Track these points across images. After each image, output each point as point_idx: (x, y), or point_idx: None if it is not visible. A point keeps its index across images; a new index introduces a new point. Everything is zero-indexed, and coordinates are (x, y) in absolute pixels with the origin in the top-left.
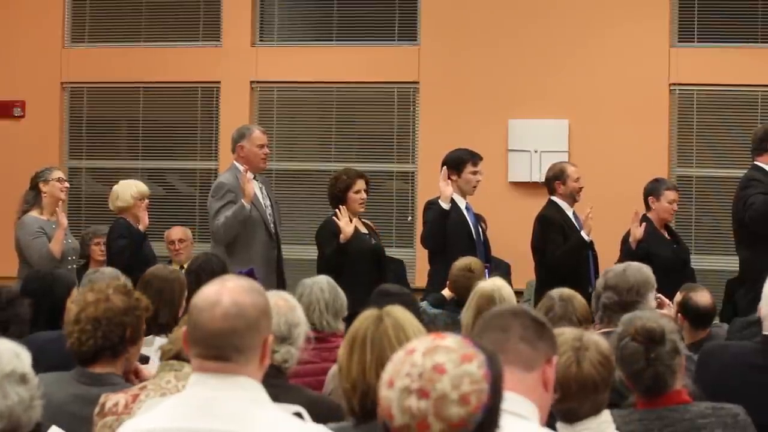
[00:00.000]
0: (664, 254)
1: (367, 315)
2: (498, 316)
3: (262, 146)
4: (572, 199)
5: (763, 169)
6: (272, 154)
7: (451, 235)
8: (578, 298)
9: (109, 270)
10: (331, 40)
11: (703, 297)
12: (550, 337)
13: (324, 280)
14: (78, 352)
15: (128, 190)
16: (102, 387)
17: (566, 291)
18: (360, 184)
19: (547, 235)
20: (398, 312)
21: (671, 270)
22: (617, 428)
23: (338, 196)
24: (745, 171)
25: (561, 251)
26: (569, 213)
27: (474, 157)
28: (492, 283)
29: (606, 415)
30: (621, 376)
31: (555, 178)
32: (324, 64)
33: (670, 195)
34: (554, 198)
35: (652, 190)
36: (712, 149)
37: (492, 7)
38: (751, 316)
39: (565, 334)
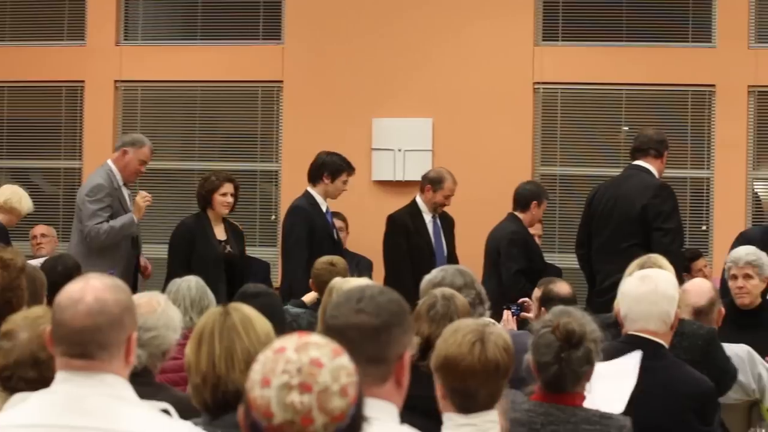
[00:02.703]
0: (538, 254)
1: (213, 311)
2: (338, 339)
3: (143, 163)
4: (433, 208)
5: (652, 172)
6: None
7: (318, 241)
8: (459, 297)
9: None
10: (196, 39)
11: (562, 287)
12: (400, 333)
13: (193, 280)
14: None
15: None
16: None
17: (447, 290)
18: (227, 187)
19: (389, 236)
20: (245, 308)
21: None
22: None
23: (204, 197)
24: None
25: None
26: (427, 217)
27: (350, 169)
28: (353, 282)
29: (493, 415)
30: (529, 361)
31: (430, 182)
32: (188, 63)
33: (545, 205)
34: (418, 198)
35: (539, 194)
36: (576, 147)
37: (355, 6)
38: (604, 316)
39: (469, 322)
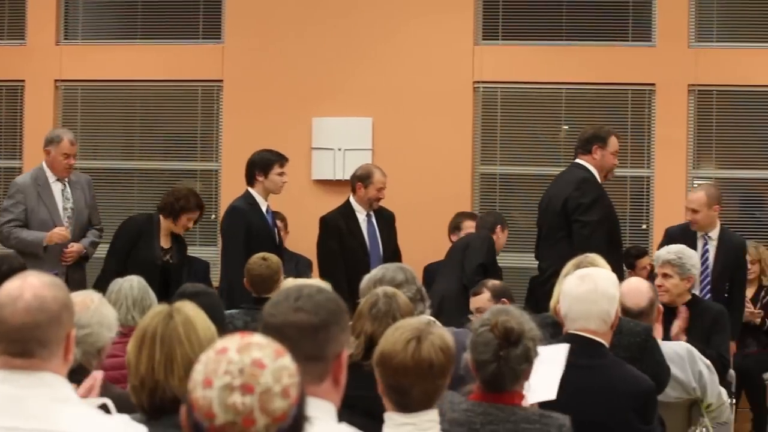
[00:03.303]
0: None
1: (158, 311)
2: (276, 337)
3: (67, 156)
4: (369, 204)
5: (587, 168)
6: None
7: (256, 241)
8: (401, 296)
9: None
10: (136, 39)
11: (494, 280)
12: (338, 331)
13: (135, 279)
14: None
15: None
16: None
17: (389, 289)
18: (196, 214)
19: (321, 239)
20: (188, 309)
21: None
22: (445, 410)
23: (173, 212)
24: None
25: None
26: (360, 216)
27: (281, 159)
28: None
29: (433, 415)
30: (468, 361)
31: (359, 179)
32: (128, 62)
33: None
34: (351, 199)
35: (503, 220)
36: (516, 147)
37: (296, 5)
38: (543, 315)
39: (412, 321)
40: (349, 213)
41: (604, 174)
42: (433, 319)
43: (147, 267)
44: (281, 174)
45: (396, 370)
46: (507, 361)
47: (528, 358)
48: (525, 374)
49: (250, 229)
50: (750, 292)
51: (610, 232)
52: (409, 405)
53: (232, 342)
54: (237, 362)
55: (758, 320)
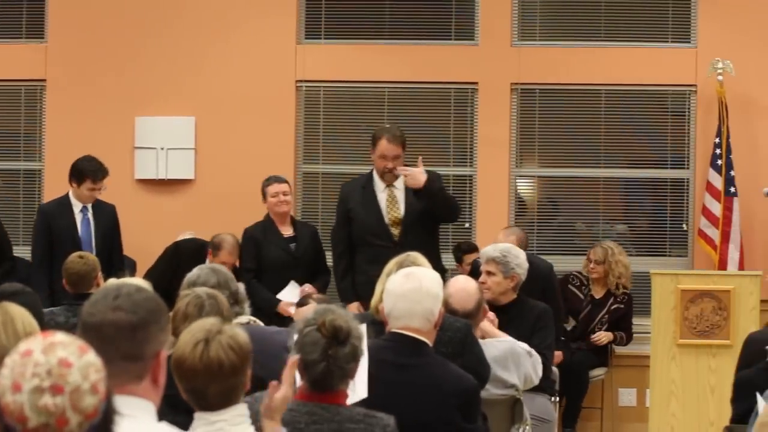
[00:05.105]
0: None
1: None
2: (95, 336)
3: None
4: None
5: (371, 172)
6: None
7: (58, 241)
8: (220, 295)
9: None
10: None
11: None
12: (157, 330)
13: None
14: None
15: None
16: None
17: (209, 290)
18: None
19: (162, 258)
20: (13, 308)
21: None
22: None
23: None
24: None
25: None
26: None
27: (95, 175)
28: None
29: (242, 409)
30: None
31: (212, 247)
32: None
33: None
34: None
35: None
36: (339, 146)
37: (119, 6)
38: (366, 313)
39: (205, 322)
40: (199, 256)
41: (381, 175)
42: (253, 319)
43: None
44: (92, 189)
45: (187, 373)
46: (335, 360)
47: (355, 357)
48: (351, 373)
49: (50, 228)
50: (600, 292)
51: (351, 234)
52: (208, 406)
53: (36, 343)
54: (44, 363)
55: (613, 340)
